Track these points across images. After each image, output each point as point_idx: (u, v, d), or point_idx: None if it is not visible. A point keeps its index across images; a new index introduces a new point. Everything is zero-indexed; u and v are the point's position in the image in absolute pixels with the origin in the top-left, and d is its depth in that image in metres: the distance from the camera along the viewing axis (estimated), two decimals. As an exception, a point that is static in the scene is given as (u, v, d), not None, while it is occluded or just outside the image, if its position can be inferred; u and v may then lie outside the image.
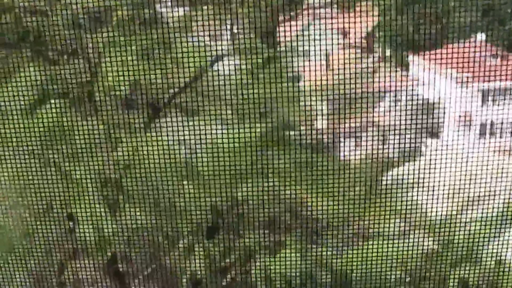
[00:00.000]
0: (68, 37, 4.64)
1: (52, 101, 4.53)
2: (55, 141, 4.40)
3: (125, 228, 4.59)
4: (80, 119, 4.50)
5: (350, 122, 6.57)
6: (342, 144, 6.58)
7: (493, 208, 7.02)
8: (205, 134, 4.58)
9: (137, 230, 4.58)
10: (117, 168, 4.53)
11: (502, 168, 7.11)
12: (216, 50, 5.37)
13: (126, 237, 4.56)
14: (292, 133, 5.37)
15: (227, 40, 5.57)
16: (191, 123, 4.83)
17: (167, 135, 4.60)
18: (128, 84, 4.50)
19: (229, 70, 5.37)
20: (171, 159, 4.58)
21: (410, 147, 7.02)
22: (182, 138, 4.70)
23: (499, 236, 6.84)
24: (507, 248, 6.77)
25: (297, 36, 6.39)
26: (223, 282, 5.14)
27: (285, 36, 6.56)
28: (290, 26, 6.70)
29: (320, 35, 5.73)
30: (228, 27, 5.60)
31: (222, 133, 4.78)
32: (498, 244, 6.67)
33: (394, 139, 6.94)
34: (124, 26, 4.58)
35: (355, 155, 6.30)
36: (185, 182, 4.55)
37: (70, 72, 4.57)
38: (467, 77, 7.83)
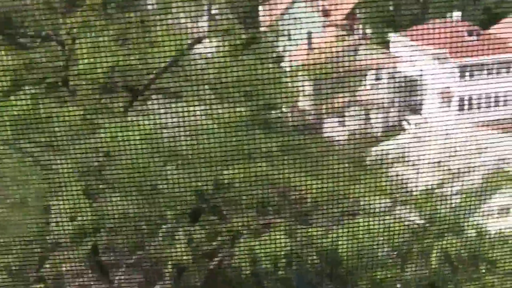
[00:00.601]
0: (40, 21, 4.10)
1: (26, 87, 3.99)
2: (30, 129, 3.87)
3: (107, 218, 4.10)
4: (56, 106, 3.96)
5: (333, 102, 6.11)
6: (326, 124, 6.15)
7: (474, 180, 6.64)
8: (187, 116, 4.06)
9: (120, 219, 4.10)
10: (97, 156, 4.03)
11: (482, 141, 6.76)
12: (196, 32, 4.86)
13: (108, 227, 4.09)
14: (275, 114, 4.89)
15: (207, 22, 5.06)
16: (172, 106, 4.33)
17: (148, 119, 4.10)
18: (104, 68, 3.97)
19: (210, 52, 4.90)
20: (153, 144, 4.08)
21: (392, 123, 6.60)
22: (164, 121, 4.20)
23: (480, 208, 6.49)
24: (487, 219, 6.43)
25: (281, 15, 5.87)
26: (209, 267, 4.70)
27: (267, 17, 6.11)
28: (272, 7, 6.23)
29: (302, 15, 5.22)
30: (207, 8, 5.10)
31: (205, 115, 4.29)
32: (479, 216, 6.32)
33: (377, 117, 6.54)
34: (98, 9, 4.04)
35: (339, 133, 5.86)
36: (167, 167, 4.06)
37: (44, 57, 4.02)
38: (446, 54, 7.38)
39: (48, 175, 3.96)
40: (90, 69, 4.01)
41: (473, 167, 6.57)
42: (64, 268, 4.30)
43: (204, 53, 4.84)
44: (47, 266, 4.20)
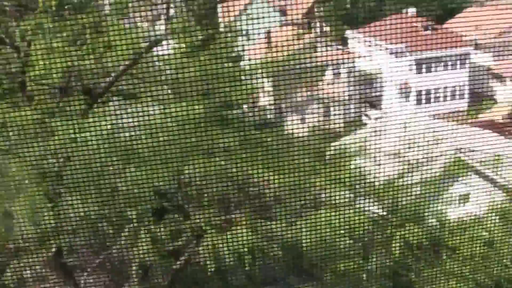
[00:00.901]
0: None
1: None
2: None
3: (69, 220, 4.11)
4: (12, 110, 3.96)
5: (293, 97, 6.24)
6: (287, 119, 6.27)
7: (433, 170, 6.87)
8: (145, 116, 4.11)
9: (82, 221, 4.12)
10: (56, 159, 4.04)
11: (439, 132, 6.99)
12: (154, 33, 4.91)
13: (70, 229, 4.09)
14: (235, 111, 4.98)
15: (164, 23, 5.11)
16: (131, 107, 4.37)
17: (106, 121, 4.12)
18: (60, 71, 3.99)
19: (168, 53, 4.94)
20: (112, 145, 4.11)
21: (352, 118, 6.75)
22: (123, 123, 4.24)
23: (439, 197, 6.71)
24: (446, 208, 6.65)
25: (238, 15, 5.95)
26: (175, 266, 4.75)
27: (225, 17, 6.18)
28: (229, 7, 6.30)
29: (260, 14, 5.32)
30: (165, 9, 5.15)
31: (163, 115, 4.33)
32: (439, 204, 6.53)
33: (336, 111, 6.69)
34: (52, 12, 4.05)
35: (300, 128, 5.98)
36: (127, 168, 4.09)
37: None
38: (402, 48, 7.60)
39: (6, 180, 3.96)
40: (46, 73, 4.02)
41: (432, 157, 6.79)
42: (27, 273, 4.28)
43: (162, 55, 4.88)
44: (8, 272, 4.17)
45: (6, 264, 4.14)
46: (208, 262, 4.42)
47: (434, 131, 6.77)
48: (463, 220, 6.42)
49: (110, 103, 4.53)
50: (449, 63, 9.13)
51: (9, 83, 4.19)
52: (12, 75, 4.19)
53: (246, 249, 4.59)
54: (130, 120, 4.32)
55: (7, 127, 3.88)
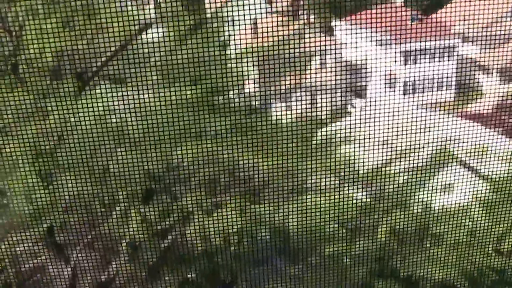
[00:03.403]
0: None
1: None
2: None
3: (61, 199, 4.42)
4: (6, 91, 4.26)
5: (280, 85, 6.59)
6: (273, 106, 6.61)
7: (418, 159, 7.24)
8: (135, 99, 4.44)
9: (74, 200, 4.43)
10: (49, 139, 4.35)
11: (425, 123, 7.34)
12: (144, 17, 5.23)
13: (62, 207, 4.41)
14: (222, 97, 5.32)
15: (153, 7, 5.42)
16: (120, 91, 4.69)
17: (97, 104, 4.45)
18: (52, 54, 4.30)
19: (158, 37, 5.25)
20: (103, 127, 4.44)
21: (337, 107, 7.11)
22: (113, 106, 4.57)
23: (425, 185, 7.08)
24: (431, 195, 7.02)
25: (225, 2, 6.29)
26: (162, 245, 5.08)
27: (212, 3, 6.49)
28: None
29: (246, 1, 5.65)
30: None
31: (153, 99, 4.67)
32: (424, 192, 6.91)
33: (322, 100, 7.03)
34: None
35: (286, 115, 6.34)
36: (118, 149, 4.42)
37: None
38: (389, 39, 8.00)
39: (1, 158, 4.26)
40: (39, 55, 4.32)
41: (418, 146, 7.15)
42: (20, 249, 4.58)
43: (151, 38, 5.20)
44: (3, 247, 4.47)
45: (1, 239, 4.46)
46: (195, 242, 4.75)
47: (420, 121, 7.12)
48: (448, 209, 6.81)
49: (101, 87, 4.84)
50: (436, 54, 9.56)
51: (2, 66, 4.48)
52: (4, 58, 4.48)
53: (233, 231, 4.94)
54: (121, 103, 4.64)
55: (1, 108, 4.18)
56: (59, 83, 4.54)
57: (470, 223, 6.65)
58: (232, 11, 6.24)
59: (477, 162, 7.41)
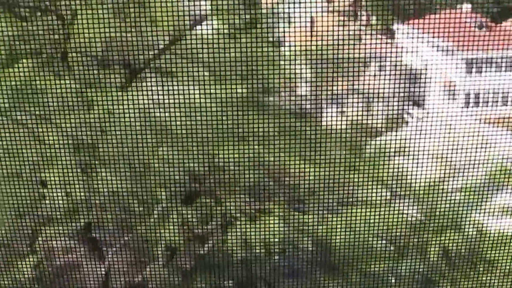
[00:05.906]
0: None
1: (24, 60, 4.29)
2: (26, 102, 4.18)
3: (99, 195, 4.41)
4: (53, 79, 4.27)
5: (334, 89, 6.43)
6: (325, 111, 6.46)
7: (476, 177, 6.97)
8: (182, 95, 4.37)
9: (112, 197, 4.41)
10: (92, 131, 4.34)
11: (486, 138, 7.06)
12: (200, 11, 5.16)
13: (101, 204, 4.39)
14: (272, 97, 5.21)
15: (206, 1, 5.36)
16: (170, 85, 4.63)
17: (143, 97, 4.41)
18: (102, 43, 4.28)
19: (212, 32, 5.19)
20: (148, 122, 4.40)
21: (394, 115, 6.92)
22: (160, 100, 4.51)
23: (481, 206, 6.81)
24: (488, 217, 6.75)
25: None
26: (201, 251, 5.02)
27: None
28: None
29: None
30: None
31: (200, 96, 4.60)
32: (480, 213, 6.65)
33: (378, 107, 6.84)
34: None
35: (338, 121, 6.17)
36: (161, 148, 4.37)
37: (43, 30, 4.31)
38: (453, 46, 7.72)
39: (43, 148, 4.27)
40: (89, 44, 4.31)
41: (476, 163, 6.88)
42: (56, 243, 4.60)
43: (204, 34, 5.13)
44: (40, 239, 4.50)
45: (39, 231, 4.48)
46: (235, 249, 4.66)
47: (480, 136, 6.85)
48: (505, 233, 6.52)
49: (149, 80, 4.80)
50: (503, 65, 9.17)
51: (52, 51, 4.50)
52: (54, 44, 4.49)
53: (276, 240, 4.83)
54: (168, 98, 4.57)
55: (47, 95, 4.18)
56: (107, 73, 4.53)
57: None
58: (289, 7, 6.13)
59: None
